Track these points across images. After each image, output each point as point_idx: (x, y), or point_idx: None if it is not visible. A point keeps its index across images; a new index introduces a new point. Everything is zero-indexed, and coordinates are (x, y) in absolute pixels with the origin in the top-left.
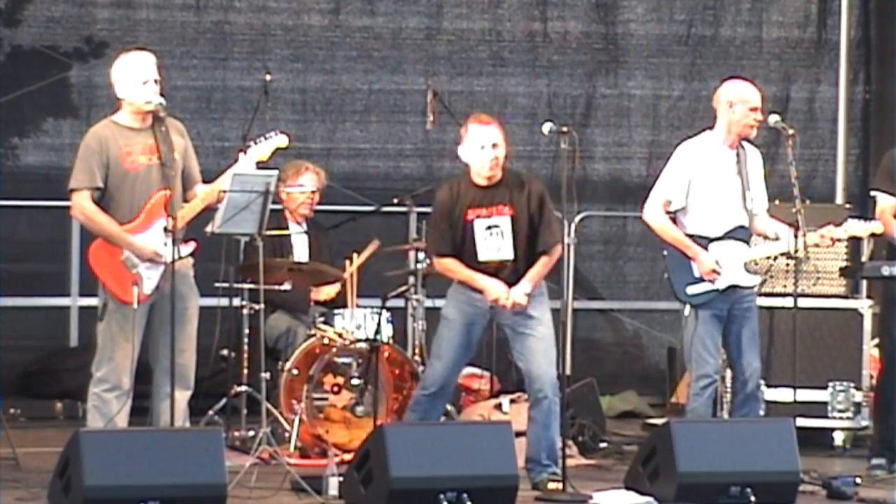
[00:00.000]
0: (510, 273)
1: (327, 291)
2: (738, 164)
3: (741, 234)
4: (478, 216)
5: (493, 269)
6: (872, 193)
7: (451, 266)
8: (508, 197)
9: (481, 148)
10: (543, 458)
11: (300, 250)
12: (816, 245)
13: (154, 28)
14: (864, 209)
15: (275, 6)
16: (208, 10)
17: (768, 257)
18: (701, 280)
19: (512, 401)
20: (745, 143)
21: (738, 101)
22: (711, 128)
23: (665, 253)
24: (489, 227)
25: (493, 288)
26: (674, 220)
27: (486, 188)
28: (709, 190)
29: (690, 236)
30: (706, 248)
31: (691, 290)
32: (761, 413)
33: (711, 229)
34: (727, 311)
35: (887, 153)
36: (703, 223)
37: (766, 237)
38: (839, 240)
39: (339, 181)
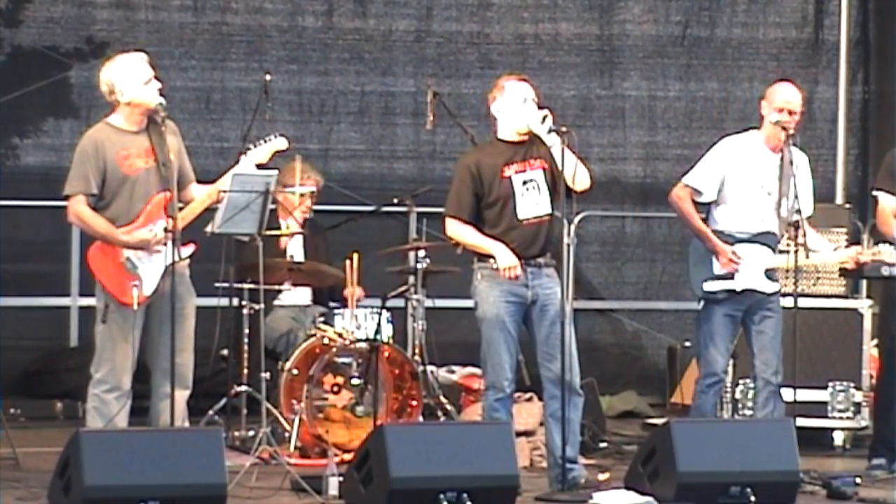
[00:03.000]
0: (548, 232)
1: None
2: (780, 168)
3: (769, 239)
4: (516, 172)
5: (534, 230)
6: (874, 193)
7: (461, 231)
8: (538, 151)
9: (524, 101)
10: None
11: (295, 250)
12: (843, 263)
13: (152, 29)
14: (864, 209)
15: (270, 7)
16: (206, 12)
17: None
18: (718, 278)
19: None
20: (794, 149)
21: (766, 101)
22: (758, 127)
23: (690, 247)
24: (525, 182)
25: (504, 256)
26: (705, 217)
27: (517, 144)
28: (743, 189)
29: (717, 232)
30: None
31: (707, 286)
32: (782, 411)
33: (739, 229)
34: (743, 313)
35: (889, 153)
36: (732, 221)
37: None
38: (865, 263)
39: (337, 182)
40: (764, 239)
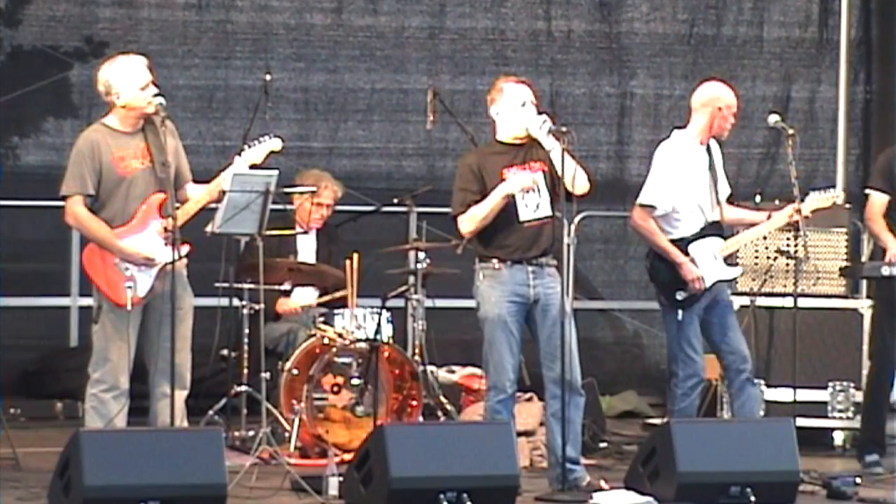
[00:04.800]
0: (550, 234)
1: (291, 303)
2: (709, 159)
3: (717, 229)
4: (515, 174)
5: (535, 231)
6: (866, 191)
7: (471, 214)
8: (537, 153)
9: (522, 105)
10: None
11: (306, 255)
12: (780, 227)
13: (156, 27)
14: (864, 209)
15: (277, 5)
16: (210, 9)
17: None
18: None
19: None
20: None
21: (724, 104)
22: (681, 127)
23: (652, 261)
24: None
25: (512, 184)
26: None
27: (517, 147)
28: (687, 190)
29: (674, 240)
30: (686, 249)
31: (681, 295)
32: (761, 398)
33: (691, 229)
34: (704, 307)
35: (883, 152)
36: (683, 224)
37: (735, 226)
38: (806, 217)
39: (341, 180)
40: (713, 230)
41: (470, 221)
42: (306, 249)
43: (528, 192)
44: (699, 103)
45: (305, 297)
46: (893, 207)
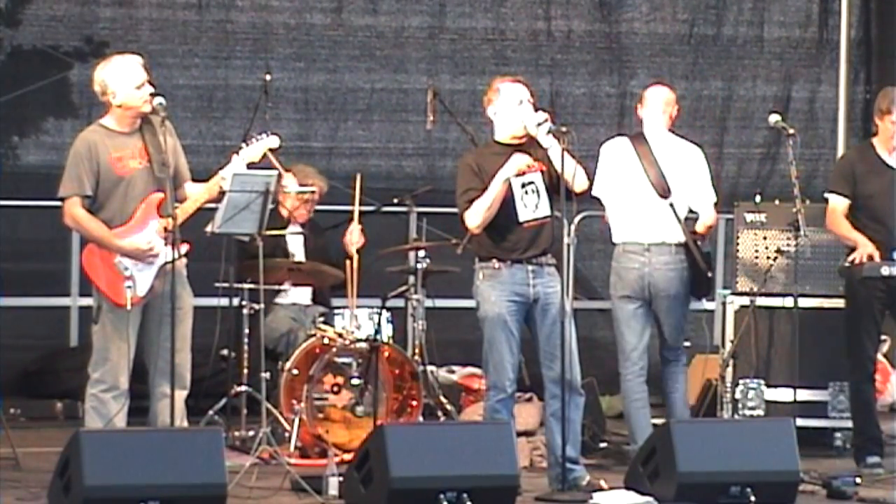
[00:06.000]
0: (549, 234)
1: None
2: None
3: None
4: (514, 175)
5: (535, 231)
6: (826, 195)
7: (476, 205)
8: (536, 153)
9: (520, 103)
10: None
11: (295, 249)
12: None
13: (156, 27)
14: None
15: (277, 5)
16: (210, 9)
17: None
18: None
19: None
20: None
21: (674, 104)
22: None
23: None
24: (524, 185)
25: (517, 161)
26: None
27: (515, 147)
28: None
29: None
30: None
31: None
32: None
33: None
34: None
35: (843, 156)
36: None
37: None
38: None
39: (341, 180)
40: None
41: (476, 214)
42: (295, 246)
43: (525, 173)
44: (671, 107)
45: (301, 296)
46: (856, 210)
